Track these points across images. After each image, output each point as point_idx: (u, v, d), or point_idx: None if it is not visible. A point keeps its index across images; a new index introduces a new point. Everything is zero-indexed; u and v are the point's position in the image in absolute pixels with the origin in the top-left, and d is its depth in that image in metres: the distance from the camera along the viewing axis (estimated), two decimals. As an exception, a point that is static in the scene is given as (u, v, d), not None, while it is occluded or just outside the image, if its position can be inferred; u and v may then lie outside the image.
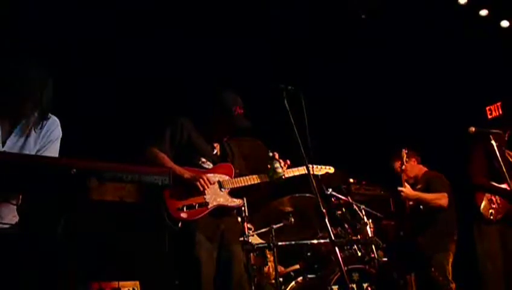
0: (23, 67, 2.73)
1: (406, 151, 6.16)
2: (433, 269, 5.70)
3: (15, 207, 2.57)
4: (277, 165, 4.33)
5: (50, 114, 2.91)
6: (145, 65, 6.48)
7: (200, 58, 6.85)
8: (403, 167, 6.07)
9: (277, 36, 7.27)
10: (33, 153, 2.80)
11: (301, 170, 4.43)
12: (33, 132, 2.80)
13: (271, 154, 4.38)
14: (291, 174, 4.42)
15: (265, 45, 7.24)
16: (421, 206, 6.09)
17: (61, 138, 3.07)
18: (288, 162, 4.40)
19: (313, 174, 3.63)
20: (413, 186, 6.22)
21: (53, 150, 2.90)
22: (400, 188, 5.95)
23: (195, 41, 6.86)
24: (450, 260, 5.89)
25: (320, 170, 4.67)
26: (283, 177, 4.34)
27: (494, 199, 5.72)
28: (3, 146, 2.73)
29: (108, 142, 5.84)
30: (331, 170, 4.75)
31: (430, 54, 7.71)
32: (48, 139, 2.87)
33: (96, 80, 6.15)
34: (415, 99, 7.88)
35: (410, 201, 6.06)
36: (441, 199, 5.97)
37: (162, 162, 4.06)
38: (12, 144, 2.75)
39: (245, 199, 4.93)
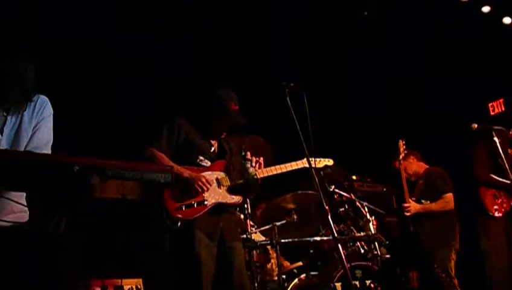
0: (2, 55, 2.77)
1: (404, 142, 6.14)
2: (435, 266, 5.70)
3: (16, 204, 2.57)
4: (248, 165, 4.24)
5: (38, 94, 2.94)
6: (142, 65, 6.48)
7: (199, 56, 6.86)
8: (401, 157, 6.06)
9: (277, 33, 7.27)
10: (30, 131, 2.83)
11: (279, 169, 4.39)
12: (26, 113, 2.83)
13: (243, 153, 4.30)
14: (266, 174, 4.32)
15: (265, 42, 7.23)
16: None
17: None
18: (261, 160, 4.32)
19: (314, 168, 3.62)
20: (414, 183, 6.22)
21: (47, 127, 2.92)
22: (404, 205, 5.95)
23: (194, 40, 6.87)
24: (453, 256, 5.87)
25: (319, 162, 4.63)
26: (255, 177, 4.26)
27: (498, 194, 5.74)
28: (1, 135, 2.75)
29: (108, 141, 5.84)
30: (330, 162, 4.71)
31: (432, 51, 7.70)
32: (41, 116, 2.89)
33: (95, 80, 6.15)
34: (417, 96, 7.88)
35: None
36: (448, 203, 5.98)
37: (160, 162, 4.06)
38: (9, 131, 2.77)
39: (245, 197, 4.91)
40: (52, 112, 2.97)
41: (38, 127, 2.87)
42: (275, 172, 4.37)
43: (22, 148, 2.78)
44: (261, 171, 4.30)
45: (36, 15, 5.66)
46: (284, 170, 4.40)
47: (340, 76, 7.84)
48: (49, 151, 2.92)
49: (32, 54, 2.89)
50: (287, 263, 6.00)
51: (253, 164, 4.27)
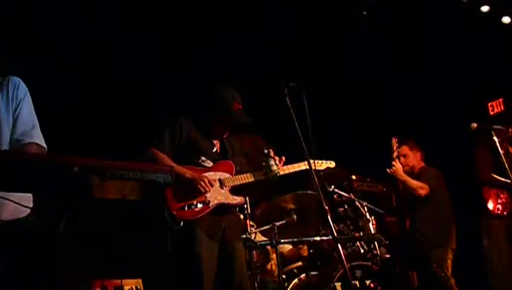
0: None
1: (397, 140, 6.13)
2: (435, 265, 5.70)
3: (15, 205, 2.56)
4: (272, 162, 4.26)
5: (7, 76, 2.85)
6: (143, 64, 6.48)
7: (200, 55, 6.86)
8: (394, 155, 6.06)
9: (278, 32, 7.27)
10: (10, 119, 2.78)
11: (297, 167, 4.41)
12: (0, 101, 2.77)
13: (266, 151, 4.32)
14: (287, 172, 4.37)
15: (266, 41, 7.23)
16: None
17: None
18: (284, 158, 4.36)
19: (315, 170, 3.63)
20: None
21: (27, 109, 2.85)
22: (393, 162, 5.95)
23: (195, 39, 6.87)
24: (449, 255, 5.86)
25: (321, 165, 4.64)
26: (278, 174, 4.28)
27: (500, 193, 5.74)
28: None
29: (108, 142, 5.84)
30: (332, 164, 4.73)
31: (431, 50, 7.70)
32: (17, 99, 2.81)
33: (96, 79, 6.15)
34: (416, 96, 7.87)
35: (397, 178, 6.03)
36: (422, 188, 5.96)
37: (162, 163, 4.04)
38: None
39: (247, 196, 4.92)
40: (26, 89, 2.87)
41: (18, 113, 2.79)
42: (293, 170, 4.39)
43: (5, 138, 2.74)
44: (286, 168, 4.36)
45: (34, 13, 5.66)
46: (292, 170, 4.41)
47: (340, 74, 7.84)
48: (39, 133, 2.88)
49: None
50: (292, 249, 6.03)
51: (277, 162, 4.29)
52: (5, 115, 2.76)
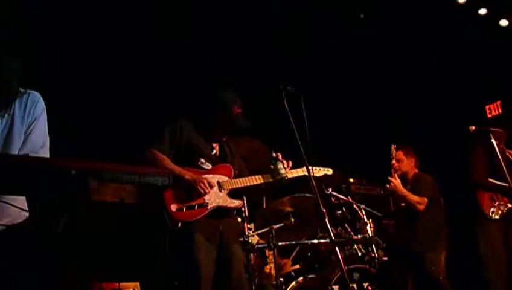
0: None
1: (395, 146, 6.13)
2: (433, 268, 5.70)
3: (14, 209, 2.56)
4: (280, 166, 4.32)
5: (28, 90, 2.87)
6: (144, 65, 6.48)
7: (200, 58, 6.86)
8: (393, 162, 6.06)
9: (277, 36, 7.28)
10: (23, 132, 2.78)
11: (300, 172, 4.43)
12: (17, 112, 2.77)
13: (274, 154, 4.37)
14: (294, 175, 4.41)
15: (265, 44, 7.24)
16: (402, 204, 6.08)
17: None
18: (291, 163, 4.39)
19: (312, 177, 3.64)
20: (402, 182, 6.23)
21: (41, 127, 2.86)
22: (390, 178, 5.92)
23: (195, 41, 6.87)
24: (443, 258, 5.86)
25: (318, 171, 4.65)
26: (285, 178, 4.33)
27: (495, 196, 5.74)
28: None
29: (109, 143, 5.84)
30: (330, 171, 4.74)
31: (429, 54, 7.72)
32: (33, 116, 2.83)
33: (96, 80, 6.15)
34: (414, 99, 7.89)
35: (396, 193, 6.01)
36: (421, 204, 5.90)
37: (162, 164, 4.05)
38: (0, 131, 2.72)
39: (245, 199, 4.93)
40: (44, 107, 2.88)
41: (32, 129, 2.80)
42: (298, 174, 4.41)
43: (14, 151, 2.74)
44: (292, 172, 4.39)
45: (35, 14, 5.65)
46: (296, 175, 4.43)
47: (338, 76, 7.85)
48: (47, 153, 2.88)
49: (14, 51, 2.81)
50: (286, 261, 6.01)
51: (285, 166, 4.33)
52: (19, 126, 2.77)
